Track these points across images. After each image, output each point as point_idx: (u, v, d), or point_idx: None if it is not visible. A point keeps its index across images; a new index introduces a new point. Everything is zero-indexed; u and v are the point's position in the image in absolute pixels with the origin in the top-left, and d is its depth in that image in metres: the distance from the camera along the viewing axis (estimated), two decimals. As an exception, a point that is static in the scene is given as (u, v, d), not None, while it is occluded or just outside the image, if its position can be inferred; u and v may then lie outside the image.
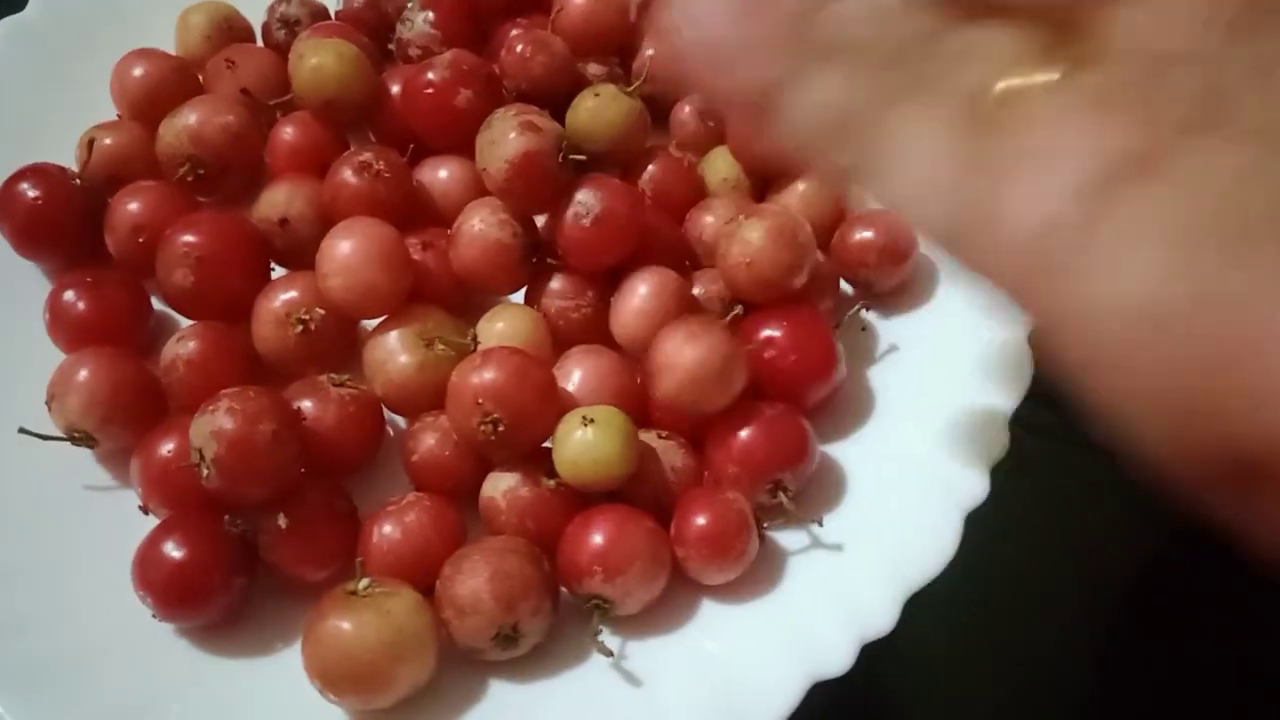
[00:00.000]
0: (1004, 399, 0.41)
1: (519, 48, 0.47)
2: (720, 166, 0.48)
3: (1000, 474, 0.40)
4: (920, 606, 0.38)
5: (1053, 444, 0.45)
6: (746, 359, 0.40)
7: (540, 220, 0.45)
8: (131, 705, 0.37)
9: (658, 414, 0.42)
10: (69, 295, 0.44)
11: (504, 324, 0.43)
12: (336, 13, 0.53)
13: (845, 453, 0.43)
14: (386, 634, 0.36)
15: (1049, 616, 0.43)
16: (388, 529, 0.39)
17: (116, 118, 0.50)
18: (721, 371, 0.39)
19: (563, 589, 0.39)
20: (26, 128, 0.50)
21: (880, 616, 0.37)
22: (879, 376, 0.44)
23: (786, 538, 0.41)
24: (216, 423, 0.37)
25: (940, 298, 0.46)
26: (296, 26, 0.52)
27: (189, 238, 0.43)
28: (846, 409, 0.43)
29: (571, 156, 0.42)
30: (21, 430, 0.41)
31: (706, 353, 0.39)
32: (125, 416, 0.41)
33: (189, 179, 0.47)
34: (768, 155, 0.46)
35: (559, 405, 0.40)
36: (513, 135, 0.42)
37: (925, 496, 0.40)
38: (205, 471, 0.37)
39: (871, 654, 0.37)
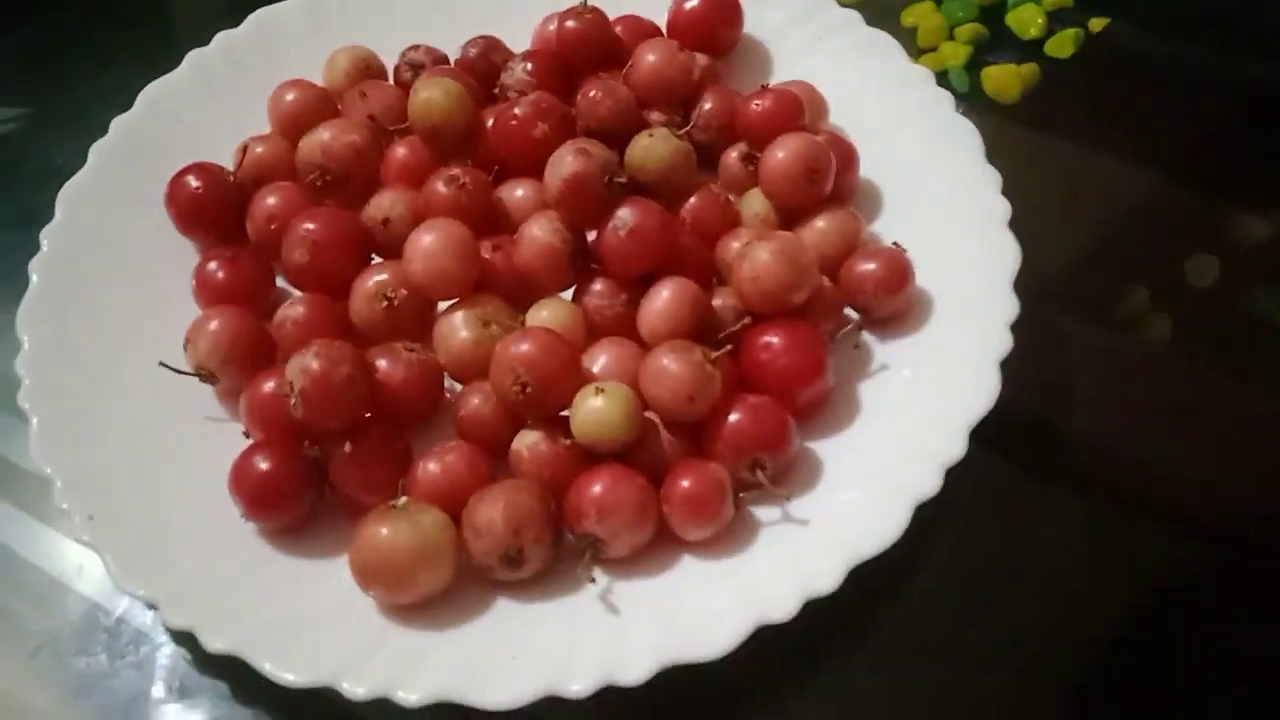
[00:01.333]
0: (966, 415, 0.47)
1: (591, 93, 0.56)
2: (754, 204, 0.56)
3: (957, 480, 0.46)
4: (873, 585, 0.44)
5: (1009, 465, 0.51)
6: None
7: (592, 236, 0.53)
8: (215, 580, 0.46)
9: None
10: (211, 265, 0.55)
11: (548, 313, 0.51)
12: (455, 60, 0.63)
13: (825, 449, 0.49)
14: (414, 541, 0.44)
15: (990, 612, 0.48)
16: (431, 466, 0.48)
17: (269, 132, 0.61)
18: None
19: (568, 534, 0.47)
20: (201, 134, 0.62)
21: (826, 579, 0.44)
22: (866, 390, 0.51)
23: (760, 511, 0.47)
24: (306, 363, 0.47)
25: (930, 328, 0.52)
26: (421, 69, 0.63)
27: (308, 225, 0.53)
28: (832, 414, 0.50)
29: (616, 180, 0.51)
30: (161, 363, 0.52)
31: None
32: (241, 360, 0.51)
33: (318, 184, 0.58)
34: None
35: (580, 379, 0.48)
36: (568, 158, 0.51)
37: (882, 487, 0.46)
38: (293, 400, 0.47)
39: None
